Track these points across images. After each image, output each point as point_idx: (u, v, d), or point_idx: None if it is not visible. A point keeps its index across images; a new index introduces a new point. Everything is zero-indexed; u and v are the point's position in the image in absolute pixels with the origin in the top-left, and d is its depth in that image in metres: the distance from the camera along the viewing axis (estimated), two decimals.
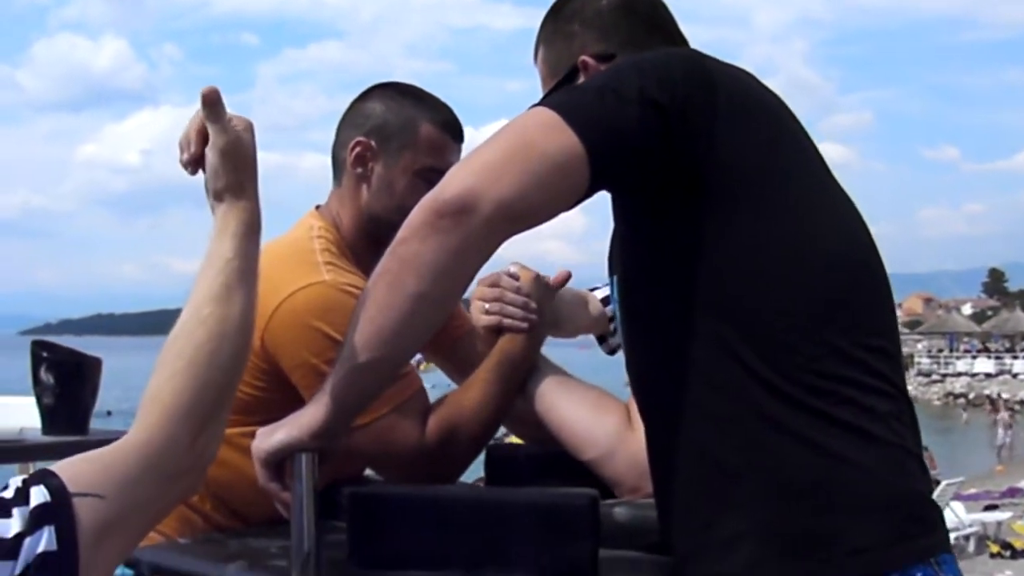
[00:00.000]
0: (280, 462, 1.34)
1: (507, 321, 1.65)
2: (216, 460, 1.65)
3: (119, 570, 1.65)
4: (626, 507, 1.45)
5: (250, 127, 1.30)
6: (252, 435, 1.41)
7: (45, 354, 2.92)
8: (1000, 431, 22.57)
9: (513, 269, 1.68)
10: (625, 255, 1.31)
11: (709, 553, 1.19)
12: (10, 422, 3.12)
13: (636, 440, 1.47)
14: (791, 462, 1.15)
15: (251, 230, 1.25)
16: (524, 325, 1.64)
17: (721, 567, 1.18)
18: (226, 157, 1.26)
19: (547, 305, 1.68)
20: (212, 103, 1.26)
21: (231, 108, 1.32)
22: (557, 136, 1.16)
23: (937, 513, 1.20)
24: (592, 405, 1.57)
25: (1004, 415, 24.00)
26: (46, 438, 2.92)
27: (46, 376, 2.91)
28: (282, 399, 1.54)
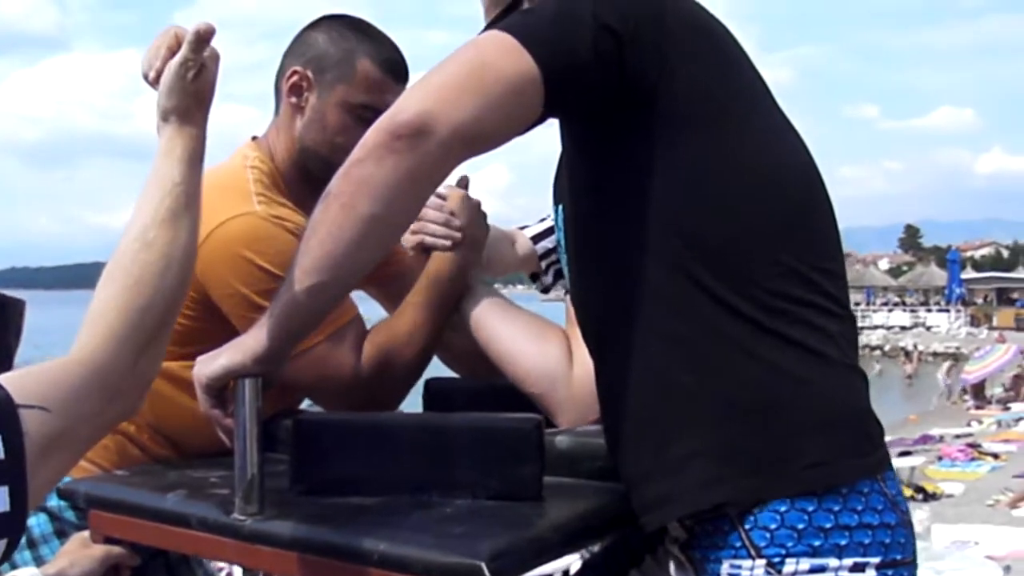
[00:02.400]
0: (222, 388, 1.33)
1: (428, 239, 1.64)
2: (152, 391, 1.63)
3: (54, 502, 1.63)
4: (567, 435, 1.46)
5: (216, 57, 1.30)
6: (187, 367, 1.39)
7: None
8: (940, 378, 23.66)
9: (442, 190, 1.67)
10: (574, 181, 1.31)
11: (662, 473, 1.20)
12: None
13: (578, 373, 1.48)
14: (746, 381, 1.17)
15: (196, 157, 1.25)
16: (447, 242, 1.63)
17: (675, 487, 1.19)
18: (184, 78, 1.26)
19: (476, 224, 1.67)
20: (206, 40, 1.27)
21: None
22: (513, 59, 1.15)
23: (881, 430, 1.24)
24: (534, 336, 1.57)
25: (945, 366, 25.04)
26: None
27: None
28: (214, 329, 1.52)
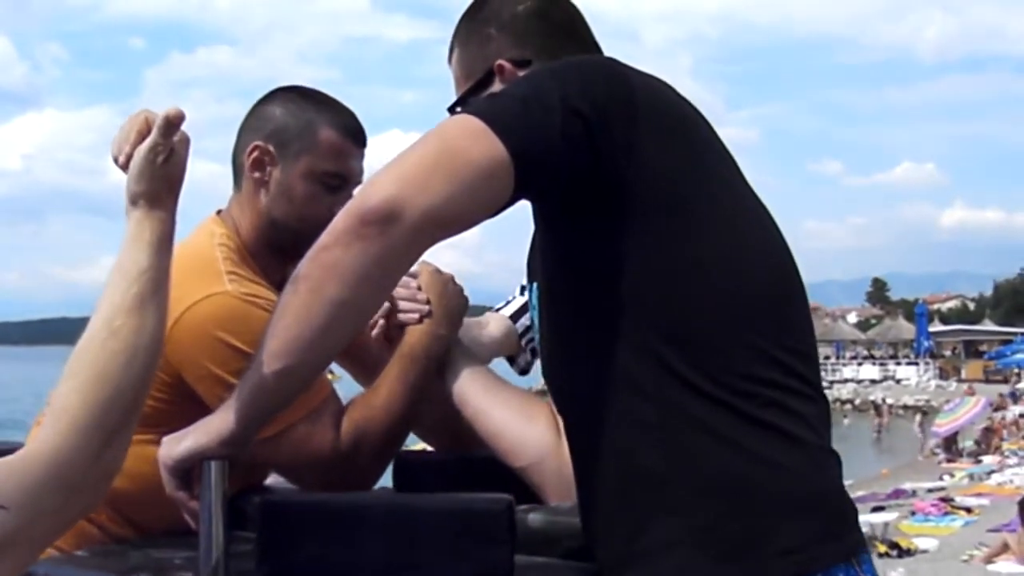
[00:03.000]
0: (188, 470, 1.30)
1: (401, 316, 1.63)
2: None
3: None
4: (541, 513, 1.44)
5: (186, 141, 1.30)
6: (152, 443, 1.37)
7: None
8: (916, 430, 23.99)
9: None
10: (547, 262, 1.31)
11: (637, 560, 1.19)
12: None
13: (565, 449, 1.46)
14: (717, 465, 1.16)
15: (165, 241, 1.24)
16: (414, 316, 1.62)
17: (650, 574, 1.18)
18: (154, 163, 1.25)
19: (447, 296, 1.66)
20: (176, 124, 1.27)
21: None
22: (482, 143, 1.15)
23: (854, 511, 1.23)
24: (521, 410, 1.55)
25: (918, 418, 25.35)
26: None
27: None
28: (185, 411, 1.49)
